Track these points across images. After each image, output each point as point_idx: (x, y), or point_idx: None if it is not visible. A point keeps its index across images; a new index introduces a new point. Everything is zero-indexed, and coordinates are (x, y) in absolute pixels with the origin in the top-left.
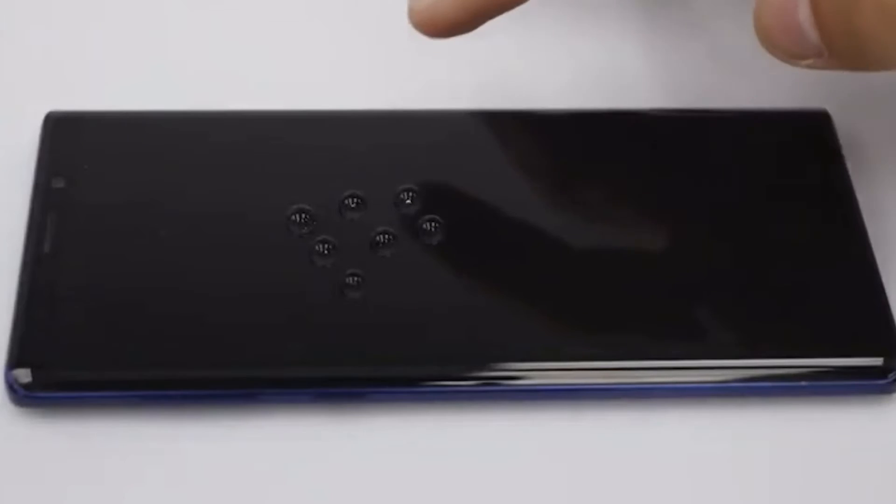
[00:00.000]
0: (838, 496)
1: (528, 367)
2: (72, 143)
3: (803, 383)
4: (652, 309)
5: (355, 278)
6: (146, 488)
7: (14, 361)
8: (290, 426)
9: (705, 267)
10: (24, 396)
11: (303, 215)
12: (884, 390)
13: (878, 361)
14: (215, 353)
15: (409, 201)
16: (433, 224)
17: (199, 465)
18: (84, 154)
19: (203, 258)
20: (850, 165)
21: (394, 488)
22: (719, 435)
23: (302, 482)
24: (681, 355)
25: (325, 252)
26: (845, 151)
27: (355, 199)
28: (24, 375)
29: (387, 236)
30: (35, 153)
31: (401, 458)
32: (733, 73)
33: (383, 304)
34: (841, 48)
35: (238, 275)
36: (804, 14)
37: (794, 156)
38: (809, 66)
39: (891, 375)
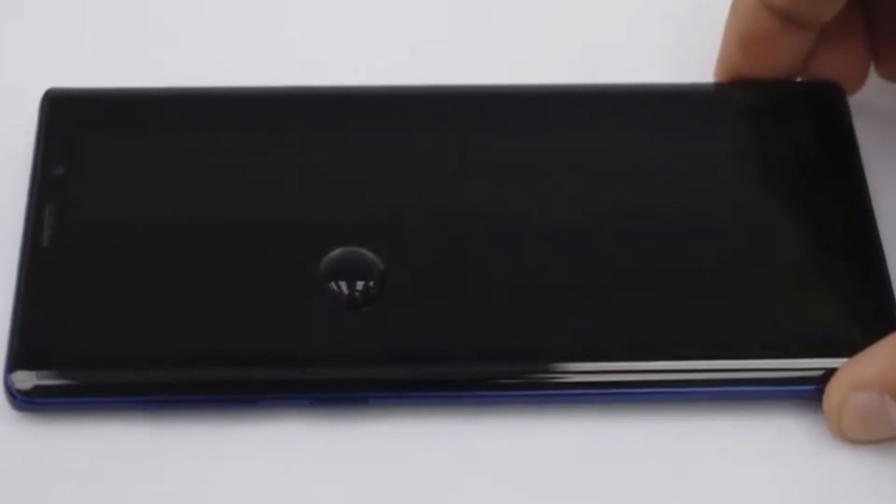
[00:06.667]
0: (840, 495)
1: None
2: (73, 124)
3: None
4: (656, 307)
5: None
6: (146, 493)
7: (13, 366)
8: (291, 430)
9: (708, 253)
10: (23, 401)
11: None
12: None
13: None
14: (216, 357)
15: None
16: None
17: (200, 470)
18: (86, 136)
19: (210, 255)
20: (860, 139)
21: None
22: (721, 435)
23: (304, 488)
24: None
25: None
26: (856, 124)
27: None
28: (23, 380)
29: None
30: (33, 134)
31: (398, 463)
32: None
33: (384, 307)
34: None
35: (243, 275)
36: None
37: (804, 129)
38: None
39: None
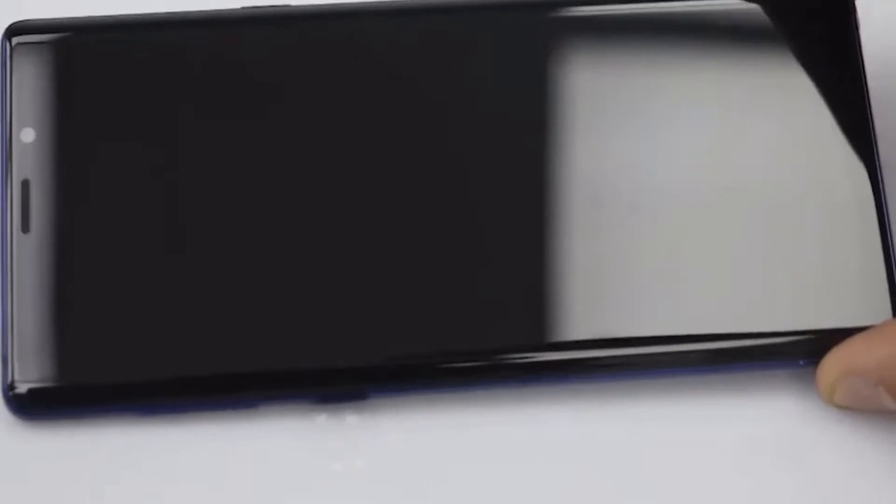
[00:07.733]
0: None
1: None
2: (44, 67)
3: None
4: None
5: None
6: (147, 499)
7: (12, 373)
8: (292, 429)
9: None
10: (22, 409)
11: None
12: None
13: None
14: (217, 360)
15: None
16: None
17: (201, 474)
18: (63, 83)
19: (217, 243)
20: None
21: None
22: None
23: (306, 487)
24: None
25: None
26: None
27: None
28: (22, 387)
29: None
30: None
31: (398, 455)
32: None
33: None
34: None
35: (253, 266)
36: (888, 400)
37: (804, 36)
38: None
39: None
